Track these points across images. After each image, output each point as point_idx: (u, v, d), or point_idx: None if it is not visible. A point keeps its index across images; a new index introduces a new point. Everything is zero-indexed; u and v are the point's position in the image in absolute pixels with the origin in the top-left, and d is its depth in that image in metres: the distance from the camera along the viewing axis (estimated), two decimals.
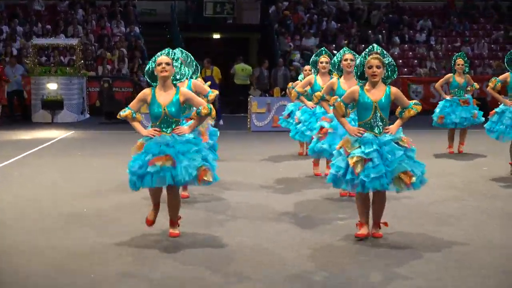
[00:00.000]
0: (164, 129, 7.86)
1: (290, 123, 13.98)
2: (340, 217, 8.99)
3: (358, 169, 7.56)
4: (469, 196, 10.51)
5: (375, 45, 8.14)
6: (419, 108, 7.95)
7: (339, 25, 31.09)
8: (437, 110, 15.07)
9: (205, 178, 7.73)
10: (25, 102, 24.65)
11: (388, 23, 31.45)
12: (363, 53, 8.03)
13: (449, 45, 30.48)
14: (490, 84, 12.32)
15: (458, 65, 14.64)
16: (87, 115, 25.06)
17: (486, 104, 19.60)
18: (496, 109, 12.21)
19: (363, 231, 7.97)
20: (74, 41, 25.00)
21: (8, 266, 7.03)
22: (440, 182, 11.44)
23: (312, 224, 8.69)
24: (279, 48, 28.83)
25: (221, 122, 21.54)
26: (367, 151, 7.60)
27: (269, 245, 7.73)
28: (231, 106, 26.33)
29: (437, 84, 15.16)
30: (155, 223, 8.19)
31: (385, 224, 8.05)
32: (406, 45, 30.40)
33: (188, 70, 9.10)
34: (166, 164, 7.59)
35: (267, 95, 24.84)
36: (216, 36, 34.49)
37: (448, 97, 14.82)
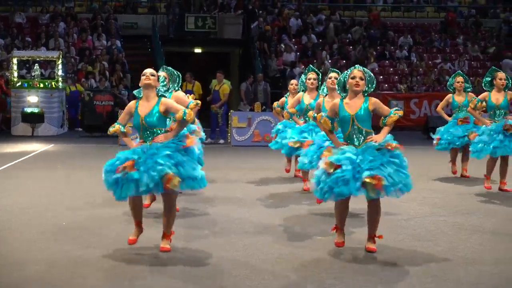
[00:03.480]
0: (146, 140, 7.90)
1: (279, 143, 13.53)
2: (321, 232, 8.99)
3: (331, 170, 7.62)
4: (447, 212, 10.56)
5: (357, 66, 8.23)
6: (400, 113, 8.06)
7: (320, 40, 31.24)
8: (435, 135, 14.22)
9: (169, 185, 7.54)
10: None
11: (369, 39, 31.63)
12: (345, 72, 8.15)
13: (430, 62, 30.69)
14: (470, 105, 12.39)
15: (458, 82, 13.84)
16: (67, 129, 24.97)
17: None
18: (478, 131, 12.21)
19: (342, 239, 8.13)
20: (54, 54, 24.93)
21: None
22: (419, 198, 11.50)
23: (292, 239, 8.70)
24: (261, 63, 28.92)
25: (221, 141, 21.54)
26: (339, 157, 7.68)
27: (248, 259, 7.74)
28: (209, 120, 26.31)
29: (439, 107, 14.26)
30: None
31: (380, 237, 8.09)
32: (387, 61, 30.57)
33: (173, 85, 9.21)
34: (129, 171, 7.55)
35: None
36: (198, 50, 34.53)
37: (450, 119, 13.98)
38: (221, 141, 21.47)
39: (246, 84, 25.19)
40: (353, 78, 7.93)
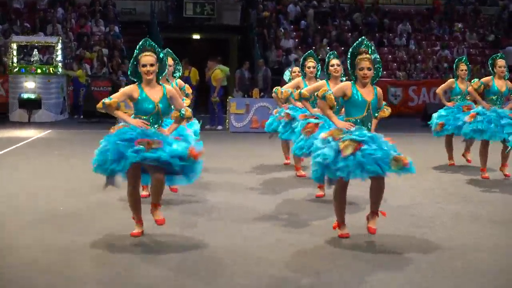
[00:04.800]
0: (151, 125, 7.87)
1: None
2: (318, 218, 8.98)
3: (348, 151, 7.51)
4: (445, 200, 10.56)
5: (364, 38, 8.16)
6: (390, 110, 8.26)
7: (319, 27, 31.16)
8: (434, 119, 13.71)
9: (195, 154, 7.67)
10: None
11: (368, 26, 31.56)
12: (353, 46, 8.08)
13: (429, 49, 30.64)
14: (473, 85, 12.31)
15: (462, 70, 13.47)
16: (67, 115, 24.84)
17: None
18: (477, 111, 12.16)
19: (346, 230, 8.04)
20: (53, 40, 24.79)
21: None
22: (417, 186, 11.48)
23: (289, 226, 8.69)
24: (259, 50, 28.83)
25: (219, 127, 21.50)
26: (361, 134, 7.65)
27: (246, 246, 7.73)
28: (207, 106, 26.29)
29: (439, 90, 13.90)
30: (131, 224, 8.13)
31: (383, 213, 8.06)
32: (385, 49, 30.51)
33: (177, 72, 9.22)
34: (153, 146, 7.53)
35: (246, 96, 24.72)
36: (196, 36, 34.42)
37: (449, 105, 13.55)
38: (219, 127, 21.44)
39: (241, 71, 25.13)
40: (361, 69, 7.88)
